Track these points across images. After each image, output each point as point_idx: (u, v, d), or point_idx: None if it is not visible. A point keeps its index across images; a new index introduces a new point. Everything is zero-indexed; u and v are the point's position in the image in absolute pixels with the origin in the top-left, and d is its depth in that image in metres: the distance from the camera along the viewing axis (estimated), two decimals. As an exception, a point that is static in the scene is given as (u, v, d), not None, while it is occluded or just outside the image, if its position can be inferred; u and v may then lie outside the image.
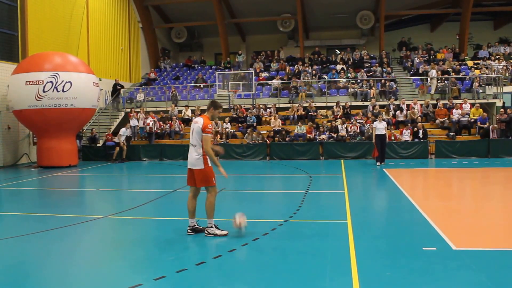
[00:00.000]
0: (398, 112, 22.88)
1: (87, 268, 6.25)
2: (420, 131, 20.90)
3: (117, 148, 21.25)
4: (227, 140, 22.15)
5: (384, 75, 26.49)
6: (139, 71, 31.84)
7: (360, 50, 30.34)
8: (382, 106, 23.52)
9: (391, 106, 23.32)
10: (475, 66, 27.19)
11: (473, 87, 24.52)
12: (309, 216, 9.08)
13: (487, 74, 25.47)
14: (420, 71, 26.55)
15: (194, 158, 7.36)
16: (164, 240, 7.51)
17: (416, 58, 28.12)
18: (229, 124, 23.21)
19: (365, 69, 27.32)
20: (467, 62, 27.93)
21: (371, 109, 22.95)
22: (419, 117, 22.33)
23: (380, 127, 17.66)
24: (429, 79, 25.38)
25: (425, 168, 17.85)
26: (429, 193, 12.49)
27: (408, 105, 23.25)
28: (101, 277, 5.88)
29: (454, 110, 22.52)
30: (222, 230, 7.48)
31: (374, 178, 15.32)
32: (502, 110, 22.24)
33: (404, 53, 29.51)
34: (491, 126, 20.91)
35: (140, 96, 27.22)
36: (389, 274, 5.62)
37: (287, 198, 11.88)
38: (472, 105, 22.93)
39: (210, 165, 7.40)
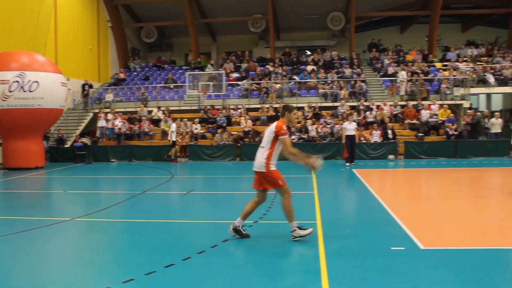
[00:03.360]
0: (368, 113, 23.06)
1: (54, 272, 6.12)
2: (390, 132, 21.11)
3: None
4: (197, 141, 21.99)
5: (354, 76, 26.68)
6: (108, 71, 31.43)
7: (331, 51, 30.52)
8: (352, 107, 23.69)
9: (361, 107, 23.49)
10: (444, 67, 27.59)
11: (441, 88, 24.87)
12: (279, 217, 8.99)
13: (455, 76, 25.86)
14: (390, 73, 26.82)
15: (259, 160, 7.27)
16: (132, 242, 7.40)
17: (386, 60, 28.39)
18: (198, 125, 23.05)
19: (335, 70, 27.47)
20: (435, 63, 28.31)
21: (341, 110, 23.08)
22: (389, 118, 22.55)
23: (350, 127, 17.76)
24: (398, 80, 25.65)
25: (394, 168, 18.02)
26: (397, 193, 12.59)
27: (377, 106, 23.46)
28: (68, 281, 5.75)
29: (422, 111, 22.81)
30: (306, 229, 7.19)
31: (343, 178, 15.39)
32: (469, 111, 22.62)
33: (374, 55, 29.76)
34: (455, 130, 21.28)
35: (109, 97, 26.85)
36: (358, 274, 5.63)
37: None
38: (441, 106, 23.26)
39: (273, 168, 7.21)
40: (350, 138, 17.70)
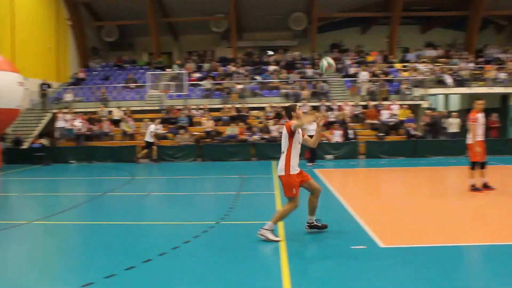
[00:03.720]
0: (329, 113, 23.25)
1: (9, 277, 5.93)
2: (351, 132, 21.33)
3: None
4: (158, 142, 21.72)
5: (316, 76, 26.87)
6: (67, 71, 30.76)
7: (293, 51, 30.67)
8: (314, 107, 23.81)
9: (323, 107, 23.66)
10: (403, 68, 28.06)
11: (401, 89, 25.29)
12: (240, 217, 9.02)
13: (414, 77, 26.33)
14: (351, 73, 27.12)
15: (280, 165, 7.32)
16: (92, 245, 7.27)
17: (347, 60, 28.69)
18: (160, 125, 22.77)
19: (297, 71, 27.62)
20: (395, 64, 28.76)
21: (303, 110, 23.18)
22: (350, 118, 22.78)
23: (311, 128, 17.89)
24: (359, 81, 25.95)
25: (355, 168, 18.20)
26: (358, 193, 12.69)
27: (339, 106, 23.68)
28: (25, 286, 5.60)
29: (383, 111, 23.15)
30: (276, 236, 7.21)
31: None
32: (427, 111, 23.08)
33: (335, 55, 30.03)
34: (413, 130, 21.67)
35: (68, 97, 26.31)
36: (320, 274, 5.67)
37: (218, 200, 11.74)
38: (400, 106, 23.63)
39: (293, 173, 7.25)
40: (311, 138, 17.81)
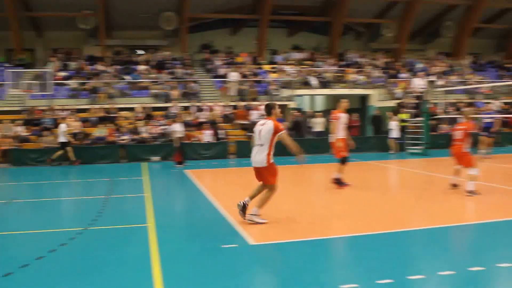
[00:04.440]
0: (200, 113, 23.42)
1: None
2: (221, 132, 21.66)
3: None
4: (20, 145, 20.45)
5: (186, 76, 26.89)
6: None
7: (163, 51, 30.41)
8: (184, 108, 23.86)
9: (193, 108, 23.77)
10: (272, 70, 28.98)
11: (270, 89, 26.12)
12: (110, 222, 8.85)
13: (282, 78, 27.30)
14: (221, 74, 27.47)
15: (261, 157, 8.09)
16: None
17: (217, 61, 29.03)
18: (21, 127, 21.42)
19: (167, 70, 27.44)
20: (264, 66, 29.60)
21: (173, 110, 23.12)
22: (220, 118, 23.10)
23: (179, 129, 17.95)
24: (229, 82, 26.37)
25: (226, 168, 18.53)
26: (229, 192, 12.85)
27: (209, 107, 23.92)
28: None
29: (252, 111, 23.76)
30: (263, 219, 8.11)
31: (176, 179, 15.46)
32: (293, 111, 24.09)
33: (206, 56, 30.26)
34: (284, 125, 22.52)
35: None
36: (192, 275, 5.73)
37: (86, 205, 11.33)
38: (268, 106, 24.35)
39: (272, 161, 8.13)
40: (179, 139, 17.98)
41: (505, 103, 28.07)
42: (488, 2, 32.95)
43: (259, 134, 8.19)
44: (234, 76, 26.48)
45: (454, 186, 11.52)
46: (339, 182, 11.99)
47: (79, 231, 7.95)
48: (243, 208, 8.25)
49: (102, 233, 7.99)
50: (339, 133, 12.04)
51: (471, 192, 10.62)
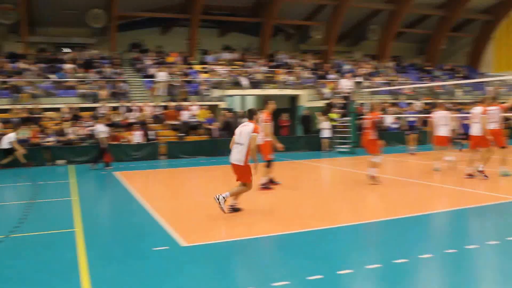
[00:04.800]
0: (129, 113, 23.02)
1: None
2: (151, 133, 21.40)
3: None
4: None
5: (115, 76, 26.34)
6: None
7: (91, 49, 29.64)
8: (113, 108, 23.35)
9: (123, 108, 23.33)
10: (202, 70, 28.90)
11: (201, 90, 26.04)
12: (34, 228, 8.53)
13: (213, 78, 27.28)
14: (151, 73, 27.07)
15: (239, 155, 8.88)
16: None
17: (147, 61, 28.61)
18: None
19: (95, 70, 26.74)
20: (195, 66, 29.47)
21: (101, 111, 22.59)
22: (150, 119, 22.80)
23: (103, 129, 17.62)
24: (159, 82, 26.03)
25: (157, 169, 18.33)
26: (160, 194, 12.79)
27: (139, 107, 23.55)
28: None
29: (183, 112, 23.62)
30: (225, 207, 8.84)
31: (105, 182, 15.19)
32: (224, 111, 24.15)
33: (135, 55, 29.76)
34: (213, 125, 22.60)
35: None
36: (122, 279, 5.68)
37: (8, 210, 10.92)
38: (200, 107, 24.35)
39: (248, 163, 8.92)
40: (103, 140, 17.62)
41: (426, 104, 29.35)
42: (410, 8, 34.33)
43: (240, 134, 9.00)
44: (162, 75, 26.16)
45: (373, 178, 12.24)
46: (267, 187, 12.00)
47: (0, 239, 7.63)
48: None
49: (25, 240, 7.71)
50: (269, 135, 12.07)
51: (374, 178, 11.34)
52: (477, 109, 12.85)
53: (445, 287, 5.55)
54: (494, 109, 13.09)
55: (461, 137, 18.11)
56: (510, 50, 37.99)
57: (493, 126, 12.95)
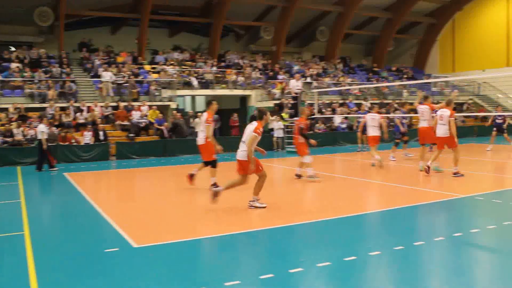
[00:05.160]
0: (78, 114, 22.82)
1: None
2: (101, 133, 21.31)
3: None
4: None
5: (64, 76, 26.00)
6: None
7: (38, 48, 29.10)
8: (62, 108, 23.08)
9: (71, 108, 23.11)
10: (153, 70, 28.83)
11: (151, 90, 26.03)
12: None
13: (163, 79, 27.30)
14: (101, 73, 26.82)
15: (243, 152, 9.42)
16: None
17: (96, 60, 28.32)
18: None
19: (43, 69, 26.29)
20: (145, 66, 29.37)
21: (50, 111, 22.29)
22: (100, 119, 22.65)
23: (44, 130, 17.45)
24: (109, 82, 25.83)
25: (107, 170, 18.30)
26: (110, 195, 12.83)
27: (88, 107, 23.37)
28: None
29: (133, 112, 23.61)
30: (262, 203, 9.57)
31: (54, 183, 15.07)
32: (174, 112, 24.27)
33: (84, 54, 29.38)
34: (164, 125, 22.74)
35: None
36: (72, 282, 5.68)
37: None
38: (150, 107, 24.37)
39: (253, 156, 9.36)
40: (48, 142, 17.46)
41: (372, 104, 30.21)
42: (357, 10, 35.27)
43: (245, 133, 9.53)
44: (110, 75, 25.94)
45: (299, 176, 13.59)
46: (216, 187, 12.17)
47: None
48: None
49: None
50: (205, 136, 11.95)
51: (312, 177, 12.30)
52: (444, 111, 13.36)
53: (393, 282, 5.69)
54: (424, 108, 14.31)
55: (398, 137, 19.01)
56: (454, 52, 39.68)
57: (425, 124, 14.16)
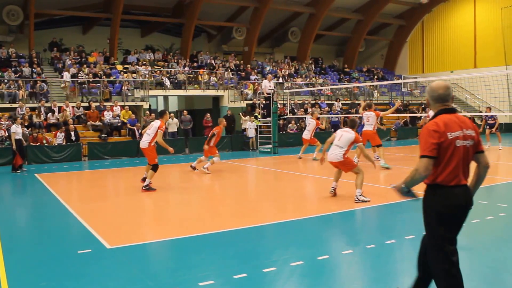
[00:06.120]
0: (49, 114, 22.60)
1: None
2: (73, 134, 21.17)
3: None
4: None
5: (34, 76, 25.70)
6: None
7: (8, 47, 28.68)
8: (32, 108, 22.82)
9: (43, 109, 22.87)
10: (125, 70, 28.68)
11: (123, 90, 25.91)
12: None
13: (135, 79, 27.20)
14: (72, 73, 26.57)
15: (337, 154, 10.22)
16: None
17: (67, 60, 28.03)
18: None
19: (13, 69, 25.91)
20: (117, 66, 29.20)
21: (20, 111, 22.02)
22: (72, 120, 22.48)
23: (19, 131, 17.29)
24: (80, 82, 25.56)
25: (79, 170, 18.18)
26: (82, 196, 12.70)
27: (60, 108, 23.16)
28: None
29: (105, 112, 23.49)
30: (365, 197, 9.97)
31: (25, 185, 14.89)
32: (147, 112, 24.23)
33: (55, 54, 29.06)
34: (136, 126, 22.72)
35: None
36: (45, 284, 5.64)
37: None
38: (122, 107, 24.27)
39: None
40: (19, 142, 17.26)
41: (344, 104, 30.71)
42: (329, 11, 35.64)
43: (342, 139, 10.39)
44: (85, 76, 25.78)
45: (194, 169, 15.87)
46: (149, 188, 12.24)
47: None
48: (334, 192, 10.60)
49: None
50: (149, 140, 12.22)
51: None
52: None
53: (367, 280, 5.74)
54: (370, 114, 16.26)
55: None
56: (424, 53, 40.45)
57: (370, 128, 16.11)
